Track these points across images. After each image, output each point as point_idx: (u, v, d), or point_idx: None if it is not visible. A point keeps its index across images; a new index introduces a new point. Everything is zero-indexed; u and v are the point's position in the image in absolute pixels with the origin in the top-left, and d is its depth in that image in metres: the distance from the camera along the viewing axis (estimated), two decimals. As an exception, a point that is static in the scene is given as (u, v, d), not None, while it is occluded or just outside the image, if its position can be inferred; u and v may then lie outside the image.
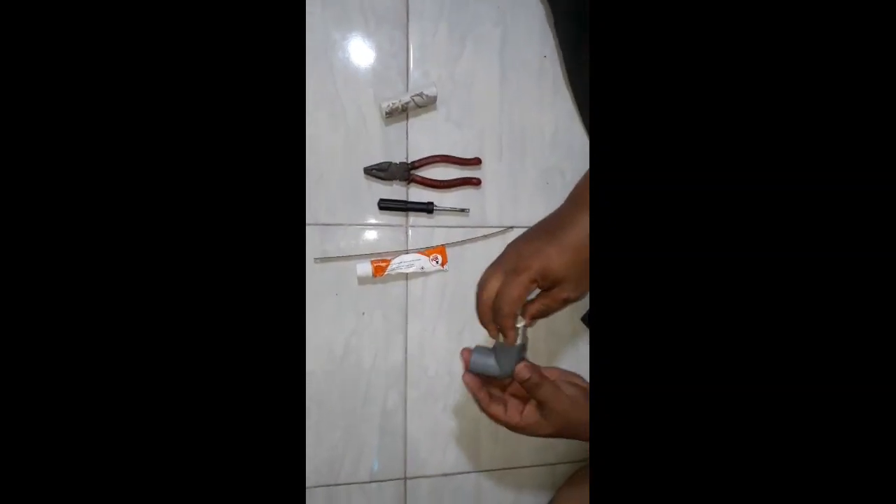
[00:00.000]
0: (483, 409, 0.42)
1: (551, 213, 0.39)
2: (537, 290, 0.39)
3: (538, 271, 0.36)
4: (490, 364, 0.41)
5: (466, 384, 0.42)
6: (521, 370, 0.39)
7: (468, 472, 0.73)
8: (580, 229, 0.36)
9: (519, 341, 0.40)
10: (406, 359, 0.69)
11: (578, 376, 0.44)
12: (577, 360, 0.72)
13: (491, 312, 0.39)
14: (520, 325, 0.39)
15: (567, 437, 0.41)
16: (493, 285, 0.39)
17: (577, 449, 0.76)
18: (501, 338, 0.40)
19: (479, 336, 0.67)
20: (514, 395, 0.42)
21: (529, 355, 0.43)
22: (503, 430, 0.72)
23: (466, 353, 0.41)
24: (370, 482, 0.69)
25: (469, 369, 0.41)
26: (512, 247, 0.39)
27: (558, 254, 0.36)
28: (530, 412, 0.40)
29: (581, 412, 0.39)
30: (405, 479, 0.71)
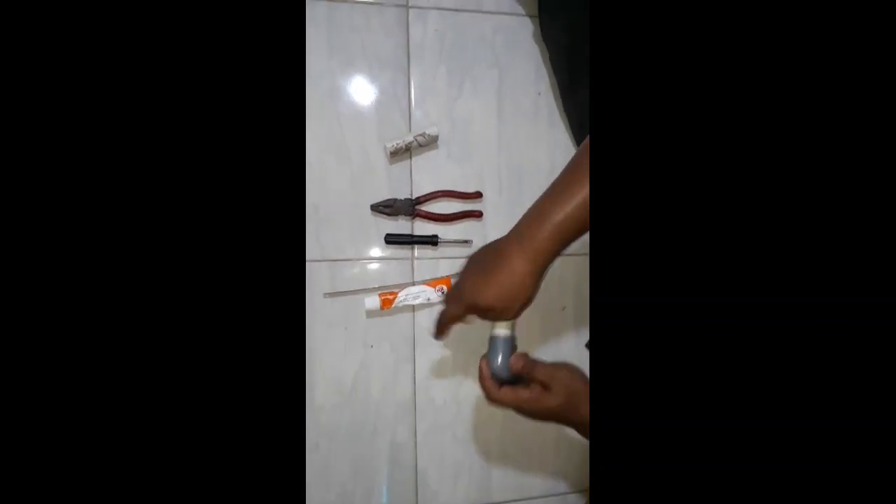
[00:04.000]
0: (493, 398, 0.45)
1: (498, 240, 0.43)
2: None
3: (469, 304, 0.43)
4: (495, 368, 0.45)
5: (482, 380, 0.46)
6: (514, 362, 0.44)
7: (479, 504, 0.72)
8: (508, 270, 0.41)
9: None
10: (414, 390, 0.70)
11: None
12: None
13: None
14: (505, 330, 0.45)
15: (571, 412, 0.44)
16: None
17: (585, 479, 0.76)
18: (500, 330, 0.45)
19: (486, 365, 0.68)
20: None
21: None
22: (513, 458, 0.73)
23: (483, 362, 0.46)
24: (381, 517, 0.69)
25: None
26: (463, 273, 0.44)
27: (488, 290, 0.42)
28: (535, 387, 0.44)
29: (578, 381, 0.43)
30: (416, 512, 0.70)
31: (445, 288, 0.67)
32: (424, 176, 0.69)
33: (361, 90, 0.67)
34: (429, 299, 0.67)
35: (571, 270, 0.73)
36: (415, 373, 0.69)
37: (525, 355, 0.44)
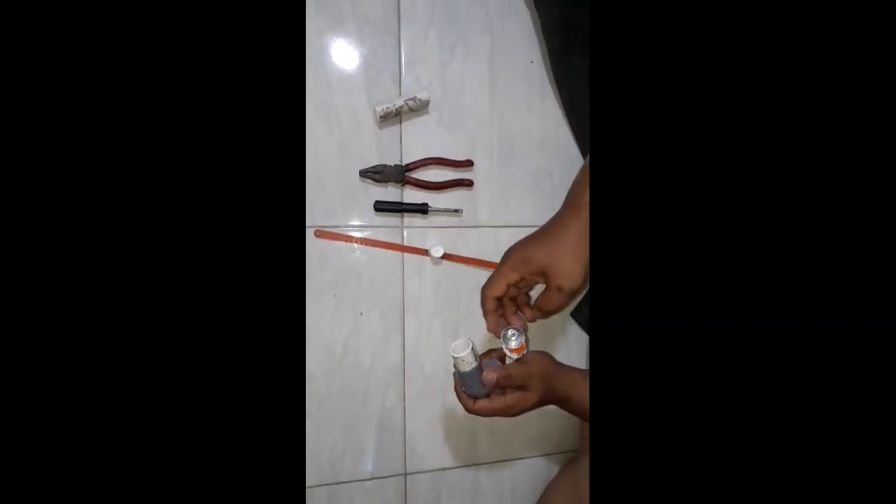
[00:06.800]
0: (471, 411, 0.47)
1: (550, 219, 0.42)
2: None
3: (518, 259, 0.40)
4: (471, 392, 0.46)
5: (457, 395, 0.48)
6: (488, 379, 0.44)
7: (466, 466, 0.75)
8: (567, 230, 0.39)
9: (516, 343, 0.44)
10: (404, 357, 0.70)
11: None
12: (567, 355, 0.75)
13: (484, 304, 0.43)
14: (468, 365, 0.44)
15: (551, 396, 0.45)
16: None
17: (569, 439, 0.79)
18: (463, 367, 0.44)
19: (473, 333, 0.69)
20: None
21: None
22: (498, 423, 0.75)
23: (458, 386, 0.48)
24: (371, 479, 0.71)
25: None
26: (509, 249, 0.43)
27: (542, 247, 0.40)
28: (511, 392, 0.45)
29: (546, 365, 0.44)
30: (405, 474, 0.72)
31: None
32: (415, 142, 0.68)
33: (350, 52, 0.65)
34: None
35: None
36: (404, 340, 0.70)
37: (496, 369, 0.44)
